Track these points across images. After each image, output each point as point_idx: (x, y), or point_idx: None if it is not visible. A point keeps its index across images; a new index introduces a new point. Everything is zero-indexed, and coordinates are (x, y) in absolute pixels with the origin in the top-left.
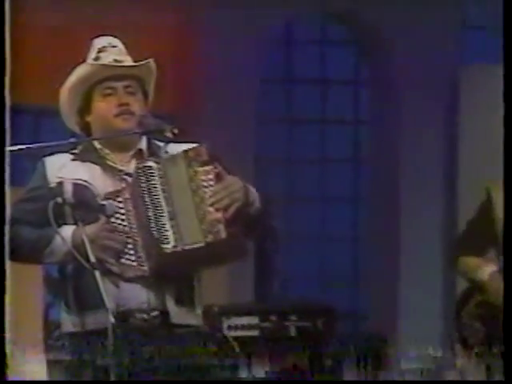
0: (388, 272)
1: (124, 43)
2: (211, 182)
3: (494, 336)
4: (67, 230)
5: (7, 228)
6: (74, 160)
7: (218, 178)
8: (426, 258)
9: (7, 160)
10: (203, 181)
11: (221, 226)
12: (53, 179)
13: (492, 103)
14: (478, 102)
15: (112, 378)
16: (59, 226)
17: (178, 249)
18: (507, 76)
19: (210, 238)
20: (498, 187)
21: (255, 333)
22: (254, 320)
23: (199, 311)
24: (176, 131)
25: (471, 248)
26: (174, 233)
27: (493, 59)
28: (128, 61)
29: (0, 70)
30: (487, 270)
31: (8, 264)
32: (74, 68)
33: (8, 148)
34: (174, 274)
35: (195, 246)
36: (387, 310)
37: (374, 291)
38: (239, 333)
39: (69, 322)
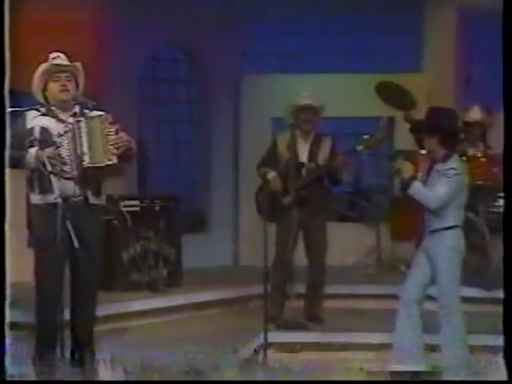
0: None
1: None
2: (113, 134)
3: (276, 210)
4: (32, 151)
5: (7, 227)
6: (40, 115)
7: (117, 132)
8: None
9: (6, 158)
10: (108, 132)
11: (115, 157)
12: (29, 125)
13: (267, 104)
14: (256, 104)
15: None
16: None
17: (91, 164)
18: (507, 76)
19: (108, 162)
20: (280, 136)
21: (137, 209)
22: (137, 202)
23: (104, 197)
24: (94, 103)
25: (266, 164)
26: (89, 156)
27: (271, 69)
28: (67, 63)
29: (1, 64)
30: (271, 174)
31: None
32: (39, 65)
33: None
34: (89, 176)
35: (100, 164)
36: (207, 197)
37: (212, 189)
38: (128, 209)
39: (35, 198)
